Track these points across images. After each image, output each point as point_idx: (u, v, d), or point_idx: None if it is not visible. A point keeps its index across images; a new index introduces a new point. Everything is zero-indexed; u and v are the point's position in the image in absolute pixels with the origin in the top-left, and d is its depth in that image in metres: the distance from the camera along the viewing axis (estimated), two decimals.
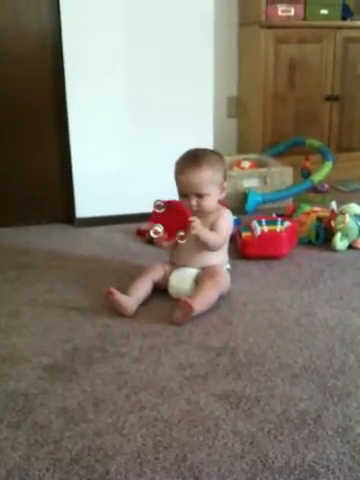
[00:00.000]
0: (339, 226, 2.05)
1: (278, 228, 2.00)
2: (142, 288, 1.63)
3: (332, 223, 2.07)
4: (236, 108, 3.20)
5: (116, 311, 1.57)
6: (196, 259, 1.66)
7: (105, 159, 2.36)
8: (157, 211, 1.58)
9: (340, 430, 1.09)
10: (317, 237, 2.11)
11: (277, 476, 0.97)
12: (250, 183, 2.61)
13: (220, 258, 1.70)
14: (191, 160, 1.63)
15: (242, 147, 3.17)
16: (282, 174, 2.66)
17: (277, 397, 1.19)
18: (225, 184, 1.69)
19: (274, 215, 2.20)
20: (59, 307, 1.64)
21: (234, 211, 2.13)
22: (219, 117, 2.94)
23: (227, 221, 1.68)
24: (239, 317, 1.57)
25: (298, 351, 1.38)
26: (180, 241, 1.57)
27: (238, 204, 2.50)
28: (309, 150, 2.80)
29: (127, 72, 2.29)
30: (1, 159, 2.33)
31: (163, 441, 1.06)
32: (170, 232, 1.58)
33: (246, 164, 2.77)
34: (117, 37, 2.24)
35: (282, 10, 2.86)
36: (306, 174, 2.72)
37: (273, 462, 1.01)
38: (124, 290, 1.59)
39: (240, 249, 2.00)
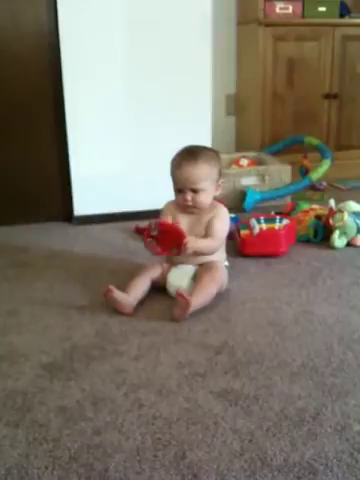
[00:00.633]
0: (337, 224, 2.05)
1: (276, 226, 2.00)
2: (140, 286, 1.63)
3: (330, 221, 2.08)
4: (234, 106, 3.20)
5: (115, 309, 1.57)
6: (194, 257, 1.66)
7: (103, 157, 2.35)
8: (151, 233, 1.58)
9: (339, 428, 1.09)
10: (315, 235, 2.11)
11: (276, 473, 0.97)
12: (248, 181, 2.62)
13: (218, 255, 1.70)
14: (187, 155, 1.64)
15: (240, 145, 3.17)
16: (280, 172, 2.66)
17: (276, 395, 1.20)
18: (221, 181, 1.69)
19: (272, 213, 2.20)
20: (57, 305, 1.64)
21: (233, 209, 2.14)
22: (217, 115, 2.94)
23: (222, 221, 1.68)
24: (238, 315, 1.57)
25: (297, 349, 1.38)
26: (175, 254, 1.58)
27: (236, 202, 2.50)
28: (307, 148, 2.80)
29: (125, 70, 2.29)
30: None
31: (162, 439, 1.07)
32: (164, 248, 1.59)
33: (244, 162, 2.77)
34: (115, 36, 2.24)
35: (280, 8, 2.87)
36: (304, 172, 2.72)
37: (272, 460, 1.01)
38: (123, 288, 1.59)
39: (239, 247, 2.00)
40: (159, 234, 1.57)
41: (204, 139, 2.23)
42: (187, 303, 1.49)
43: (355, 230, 2.06)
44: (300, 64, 2.95)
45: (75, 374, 1.29)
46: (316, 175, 2.64)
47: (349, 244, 2.07)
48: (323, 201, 2.47)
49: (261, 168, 2.68)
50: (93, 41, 2.22)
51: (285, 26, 2.89)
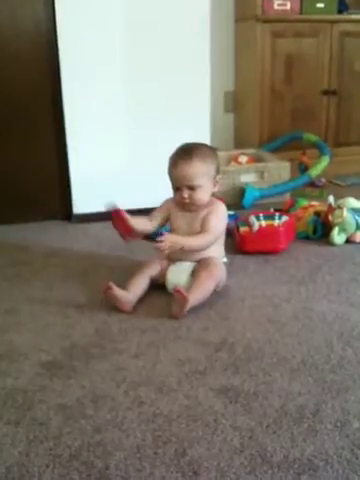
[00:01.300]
0: (337, 220, 2.05)
1: (276, 223, 2.00)
2: (140, 284, 1.63)
3: (330, 217, 2.07)
4: (233, 103, 3.20)
5: (114, 307, 1.57)
6: (192, 253, 1.66)
7: (102, 155, 2.35)
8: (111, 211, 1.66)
9: (338, 424, 1.09)
10: (315, 232, 2.11)
11: (276, 470, 0.98)
12: (247, 178, 2.61)
13: (216, 251, 1.70)
14: (183, 153, 1.64)
15: (239, 142, 3.17)
16: (279, 169, 2.65)
17: (275, 392, 1.20)
18: (218, 178, 1.69)
19: (272, 210, 2.20)
20: (57, 304, 1.64)
21: (232, 206, 2.14)
22: (216, 112, 2.94)
23: (218, 217, 1.67)
24: (237, 312, 1.57)
25: (296, 346, 1.38)
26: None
27: (236, 199, 2.50)
28: (306, 145, 2.80)
29: (123, 68, 2.29)
30: None
31: (162, 436, 1.07)
32: (125, 232, 1.66)
33: (243, 159, 2.77)
34: (113, 34, 2.23)
35: (278, 4, 2.86)
36: (303, 169, 2.72)
37: (272, 456, 1.01)
38: (122, 286, 1.59)
39: (238, 244, 2.00)
40: (114, 221, 1.65)
41: (203, 136, 2.23)
42: (184, 299, 1.49)
43: (354, 226, 2.06)
44: (298, 61, 2.95)
45: (75, 372, 1.29)
46: (315, 172, 2.63)
47: (348, 240, 2.07)
48: (322, 198, 2.46)
49: (260, 165, 2.68)
50: (91, 39, 2.21)
51: (283, 22, 2.88)
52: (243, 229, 2.01)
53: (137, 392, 1.21)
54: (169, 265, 1.68)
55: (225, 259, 1.75)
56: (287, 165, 2.67)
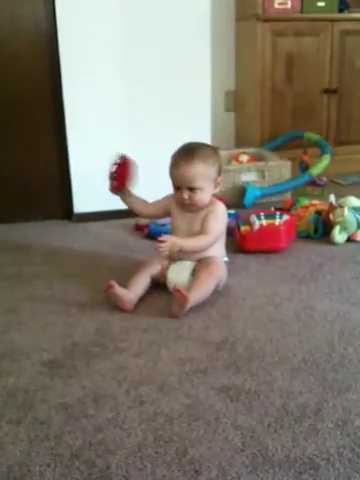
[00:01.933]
0: (338, 219, 2.05)
1: (277, 222, 2.00)
2: (141, 283, 1.63)
3: (331, 216, 2.07)
4: (234, 102, 3.20)
5: (115, 305, 1.57)
6: (190, 253, 1.66)
7: (102, 154, 2.33)
8: (117, 162, 1.72)
9: (340, 423, 1.09)
10: (316, 231, 2.11)
11: (277, 469, 0.97)
12: (248, 177, 2.61)
13: (216, 250, 1.69)
14: (184, 154, 1.63)
15: (240, 141, 3.17)
16: (280, 168, 2.65)
17: (277, 391, 1.20)
18: (220, 179, 1.68)
19: (273, 209, 2.20)
20: (58, 303, 1.64)
21: (233, 205, 2.14)
22: (217, 111, 2.93)
23: (216, 218, 1.66)
24: (238, 311, 1.57)
25: (297, 345, 1.38)
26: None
27: (236, 198, 2.50)
28: (307, 144, 2.80)
29: (124, 67, 2.29)
30: None
31: (163, 435, 1.07)
32: (121, 181, 1.72)
33: (244, 158, 2.77)
34: (113, 33, 2.23)
35: (279, 3, 2.86)
36: (304, 168, 2.71)
37: (273, 455, 1.01)
38: (123, 285, 1.59)
39: (239, 243, 1.99)
40: (118, 167, 1.71)
41: (204, 136, 2.23)
42: (185, 298, 1.49)
43: (355, 225, 2.06)
44: (299, 59, 2.94)
45: (76, 371, 1.29)
46: (316, 170, 2.63)
47: (349, 239, 2.07)
48: (323, 196, 2.46)
49: (261, 164, 2.68)
50: (91, 38, 2.21)
51: (284, 21, 2.88)
52: (244, 228, 2.00)
53: (138, 391, 1.21)
54: (170, 264, 1.68)
55: (226, 258, 1.75)
56: (288, 164, 2.67)
